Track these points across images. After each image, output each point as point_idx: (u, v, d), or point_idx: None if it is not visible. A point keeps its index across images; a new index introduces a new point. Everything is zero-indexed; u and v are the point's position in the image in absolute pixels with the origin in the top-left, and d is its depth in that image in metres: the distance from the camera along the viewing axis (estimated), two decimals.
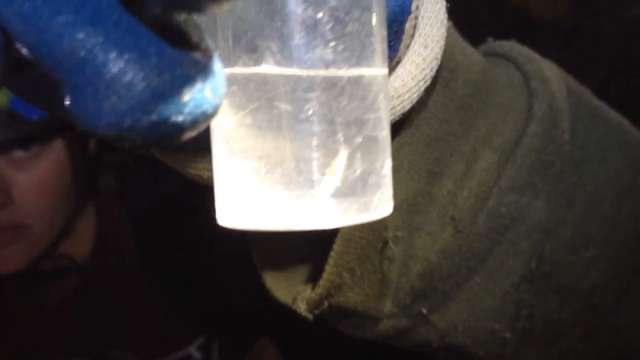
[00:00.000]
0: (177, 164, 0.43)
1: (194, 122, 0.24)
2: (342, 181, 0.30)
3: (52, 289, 1.15)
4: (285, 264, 0.56)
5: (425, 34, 0.42)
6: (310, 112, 0.29)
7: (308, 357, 1.20)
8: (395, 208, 0.49)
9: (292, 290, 0.55)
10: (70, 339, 1.15)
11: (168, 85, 0.22)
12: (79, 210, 1.13)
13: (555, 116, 0.51)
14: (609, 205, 0.54)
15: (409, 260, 0.51)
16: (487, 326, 0.53)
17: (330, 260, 0.50)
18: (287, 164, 0.29)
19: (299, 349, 1.21)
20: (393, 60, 0.43)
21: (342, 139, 0.30)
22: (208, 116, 0.24)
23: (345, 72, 0.29)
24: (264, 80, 0.29)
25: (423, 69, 0.42)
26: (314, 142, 0.29)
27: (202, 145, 0.35)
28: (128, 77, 0.22)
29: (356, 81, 0.30)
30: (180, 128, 0.24)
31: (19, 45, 0.23)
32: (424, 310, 0.53)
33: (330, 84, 0.29)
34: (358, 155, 0.30)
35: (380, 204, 0.32)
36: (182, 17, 0.24)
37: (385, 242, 0.50)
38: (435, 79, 0.48)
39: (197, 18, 0.25)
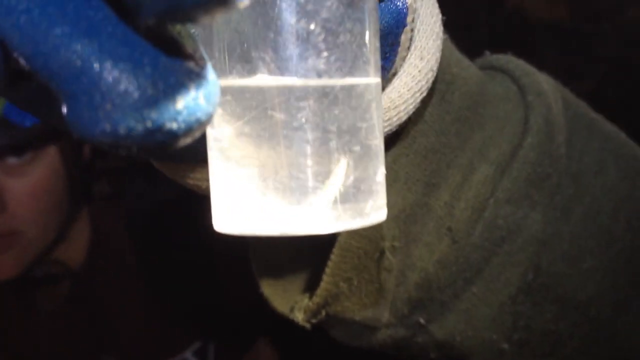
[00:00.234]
0: (176, 175, 0.44)
1: (188, 130, 0.24)
2: (335, 188, 0.31)
3: (46, 295, 1.15)
4: (283, 273, 0.57)
5: (421, 46, 0.43)
6: (303, 121, 0.30)
7: None
8: (393, 218, 0.50)
9: (289, 300, 0.55)
10: (64, 345, 1.15)
11: (162, 93, 0.23)
12: (73, 217, 1.12)
13: (551, 129, 0.52)
14: (605, 217, 0.54)
15: (406, 270, 0.51)
16: (485, 336, 0.54)
17: (328, 270, 0.50)
18: (281, 171, 0.30)
19: (296, 353, 1.20)
20: (389, 71, 0.43)
21: (335, 146, 0.30)
22: (202, 123, 0.25)
23: (338, 81, 0.30)
24: (258, 90, 0.30)
25: (419, 81, 0.43)
26: (308, 150, 0.30)
27: (200, 157, 0.36)
28: (123, 86, 0.23)
29: (348, 91, 0.31)
30: (174, 135, 0.24)
31: (17, 57, 0.24)
32: (422, 320, 0.53)
33: (323, 93, 0.30)
34: (351, 163, 0.31)
35: (373, 211, 0.33)
36: (176, 28, 0.25)
37: (383, 252, 0.51)
38: (431, 91, 0.49)
39: (193, 29, 0.26)
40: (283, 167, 0.30)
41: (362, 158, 0.32)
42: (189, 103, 0.24)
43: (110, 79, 0.23)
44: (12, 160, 0.99)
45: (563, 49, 1.87)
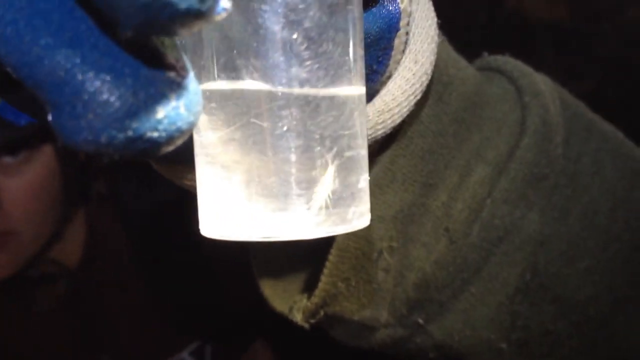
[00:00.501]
0: (174, 176, 0.45)
1: (169, 138, 0.25)
2: (318, 194, 0.31)
3: (42, 294, 1.14)
4: (282, 274, 0.57)
5: (415, 49, 0.43)
6: (285, 129, 0.30)
7: None
8: (390, 219, 0.50)
9: (288, 300, 0.56)
10: (60, 345, 1.14)
11: (142, 103, 0.24)
12: (70, 216, 1.12)
13: (548, 130, 0.52)
14: (603, 217, 0.55)
15: (404, 271, 0.52)
16: (483, 336, 0.54)
17: (326, 271, 0.50)
18: (265, 177, 0.31)
19: (293, 354, 1.20)
20: (383, 75, 0.44)
21: (317, 154, 0.31)
22: (183, 132, 0.25)
23: (320, 90, 0.31)
24: (242, 98, 0.30)
25: (413, 84, 0.43)
26: (291, 157, 0.30)
27: None
28: (104, 96, 0.23)
29: (331, 99, 0.31)
30: (156, 143, 0.25)
31: (4, 65, 0.24)
32: (420, 320, 0.54)
33: (305, 102, 0.30)
34: (334, 170, 0.31)
35: (356, 217, 0.33)
36: (159, 38, 0.25)
37: (380, 253, 0.51)
38: (428, 93, 0.49)
39: (178, 38, 0.27)
40: (267, 173, 0.31)
41: (345, 165, 0.32)
42: (170, 112, 0.24)
43: (92, 89, 0.23)
44: (7, 159, 0.98)
45: (563, 49, 1.87)
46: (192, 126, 0.25)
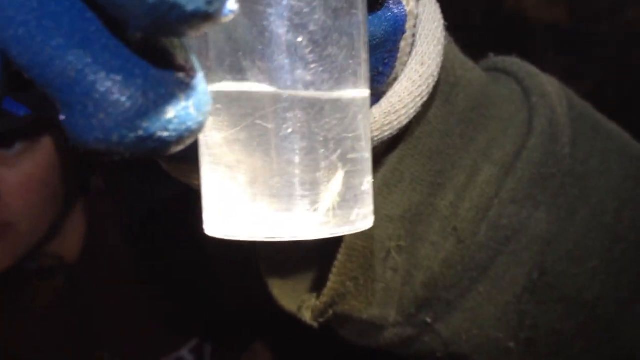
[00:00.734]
0: (182, 175, 0.45)
1: (179, 138, 0.25)
2: (326, 196, 0.32)
3: (39, 289, 1.13)
4: (290, 273, 0.57)
5: (422, 51, 0.44)
6: (289, 131, 0.31)
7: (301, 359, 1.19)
8: (398, 218, 0.51)
9: (297, 299, 0.56)
10: (57, 341, 1.13)
11: (152, 103, 0.24)
12: (68, 209, 1.10)
13: (555, 130, 0.52)
14: (610, 217, 0.55)
15: (412, 270, 0.52)
16: (491, 335, 0.54)
17: (334, 270, 0.51)
18: (270, 178, 0.31)
19: (293, 354, 1.20)
20: (389, 77, 0.44)
21: (322, 156, 0.31)
22: (193, 132, 0.26)
23: (325, 93, 0.31)
24: (247, 99, 0.31)
25: (419, 86, 0.43)
26: (295, 159, 0.31)
27: None
28: (115, 96, 0.24)
29: (335, 102, 0.32)
30: (166, 143, 0.25)
31: (16, 66, 0.25)
32: (428, 319, 0.54)
33: (310, 104, 0.31)
34: (337, 172, 0.32)
35: (359, 219, 0.34)
36: (168, 39, 0.26)
37: (389, 252, 0.51)
38: (435, 93, 0.49)
39: (184, 39, 0.27)
40: (271, 174, 0.31)
41: (349, 168, 0.33)
42: (180, 112, 0.25)
43: (103, 89, 0.24)
44: (5, 150, 0.95)
45: (562, 49, 1.86)
46: (201, 126, 0.26)
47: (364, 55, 0.33)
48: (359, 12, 0.32)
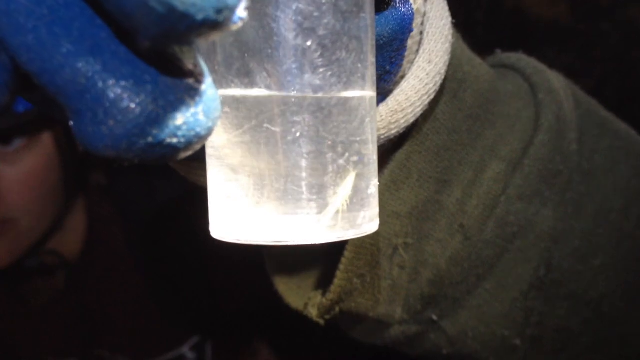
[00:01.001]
0: (190, 173, 0.45)
1: (188, 144, 0.25)
2: (328, 200, 0.32)
3: (39, 286, 1.13)
4: (297, 270, 0.58)
5: (429, 49, 0.44)
6: (298, 135, 0.30)
7: (303, 357, 1.18)
8: (405, 215, 0.51)
9: (303, 297, 0.56)
10: (58, 339, 1.13)
11: (162, 110, 0.24)
12: (69, 206, 1.10)
13: (562, 127, 0.52)
14: (616, 214, 0.55)
15: (419, 267, 0.52)
16: (497, 332, 0.54)
17: (341, 267, 0.51)
18: (277, 181, 0.31)
19: (294, 351, 1.19)
20: (396, 75, 0.44)
21: (329, 160, 0.31)
22: (202, 138, 0.26)
23: (333, 97, 0.31)
24: (255, 103, 0.31)
25: (427, 84, 0.43)
26: (302, 163, 0.31)
27: None
28: (125, 104, 0.24)
29: (343, 105, 0.31)
30: (175, 149, 0.25)
31: (26, 72, 0.25)
32: (435, 317, 0.54)
33: (318, 108, 0.31)
34: (348, 176, 0.32)
35: (365, 222, 0.34)
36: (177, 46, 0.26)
37: (396, 249, 0.51)
38: (443, 90, 0.49)
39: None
40: (278, 178, 0.31)
41: (356, 171, 0.33)
42: (189, 119, 0.25)
43: (112, 96, 0.24)
44: (5, 147, 0.95)
45: (562, 48, 1.86)
46: (210, 132, 0.26)
47: (371, 59, 0.33)
48: (367, 16, 0.32)
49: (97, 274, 1.13)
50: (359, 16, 0.32)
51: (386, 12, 0.41)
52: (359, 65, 0.32)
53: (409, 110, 0.43)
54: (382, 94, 0.44)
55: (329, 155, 0.31)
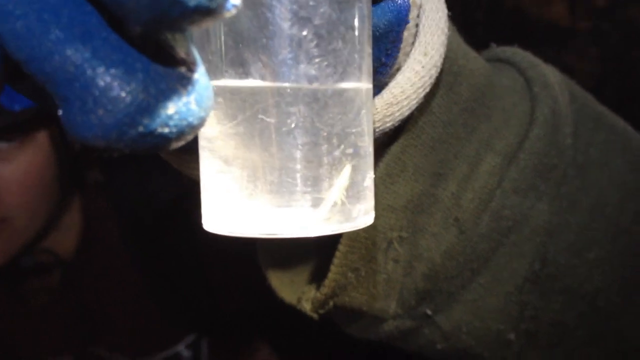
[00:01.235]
0: (183, 166, 0.45)
1: (180, 134, 0.25)
2: (323, 192, 0.31)
3: (35, 285, 1.12)
4: (290, 264, 0.57)
5: (425, 42, 0.43)
6: (293, 126, 0.30)
7: (301, 355, 1.18)
8: (400, 209, 0.50)
9: (297, 291, 0.56)
10: (54, 337, 1.12)
11: (153, 99, 0.24)
12: (64, 205, 1.09)
13: (557, 121, 0.52)
14: (612, 208, 0.54)
15: (413, 261, 0.52)
16: (492, 327, 0.54)
17: (336, 260, 0.50)
18: (270, 174, 0.31)
19: (291, 348, 1.19)
20: (391, 67, 0.43)
21: (324, 151, 0.31)
22: (194, 127, 0.25)
23: (328, 88, 0.30)
24: (249, 93, 0.30)
25: (422, 76, 0.43)
26: (297, 154, 0.30)
27: None
28: (115, 92, 0.23)
29: (338, 97, 0.31)
30: (166, 139, 0.25)
31: (14, 60, 0.24)
32: (429, 311, 0.54)
33: (313, 99, 0.30)
34: (345, 168, 0.31)
35: (360, 215, 0.33)
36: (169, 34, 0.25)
37: (390, 243, 0.51)
38: (438, 83, 0.49)
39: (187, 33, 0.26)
40: (273, 170, 0.30)
41: (352, 163, 0.32)
42: (181, 108, 0.24)
43: (102, 84, 0.23)
44: (0, 145, 0.95)
45: (561, 48, 1.86)
46: (203, 121, 0.25)
47: (368, 50, 0.33)
48: (363, 5, 0.32)
49: (94, 272, 1.12)
50: (356, 6, 0.31)
51: (382, 4, 0.40)
52: (355, 56, 0.31)
53: (405, 103, 0.43)
54: (378, 87, 0.43)
55: (324, 147, 0.31)
